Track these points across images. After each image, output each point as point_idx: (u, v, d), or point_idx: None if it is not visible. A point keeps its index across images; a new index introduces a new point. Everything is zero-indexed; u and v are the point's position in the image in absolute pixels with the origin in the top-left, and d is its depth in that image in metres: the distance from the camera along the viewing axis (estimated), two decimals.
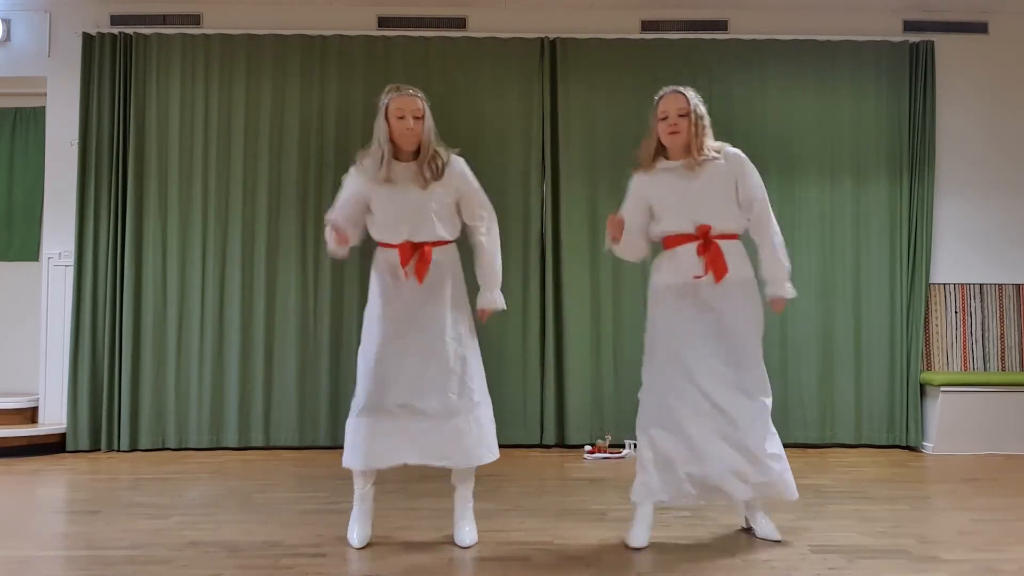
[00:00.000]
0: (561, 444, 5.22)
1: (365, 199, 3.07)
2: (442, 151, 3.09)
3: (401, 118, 3.00)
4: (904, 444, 5.26)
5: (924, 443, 5.26)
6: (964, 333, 5.42)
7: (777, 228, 3.14)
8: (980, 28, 5.51)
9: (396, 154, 3.05)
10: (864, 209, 5.36)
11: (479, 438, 3.04)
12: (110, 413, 5.14)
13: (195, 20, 5.40)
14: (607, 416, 5.19)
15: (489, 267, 3.15)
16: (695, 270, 3.03)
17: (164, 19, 5.38)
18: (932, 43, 5.42)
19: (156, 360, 5.17)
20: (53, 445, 5.08)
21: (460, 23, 5.45)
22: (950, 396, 5.12)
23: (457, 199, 3.13)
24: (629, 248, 3.22)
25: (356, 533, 3.05)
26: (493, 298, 3.16)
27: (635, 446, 5.03)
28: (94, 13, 5.38)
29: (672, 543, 3.08)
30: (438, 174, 3.04)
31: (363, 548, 3.01)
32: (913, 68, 5.41)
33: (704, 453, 2.96)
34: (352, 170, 3.11)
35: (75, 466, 4.68)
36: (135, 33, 5.31)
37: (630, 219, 3.15)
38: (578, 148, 5.33)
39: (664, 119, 3.08)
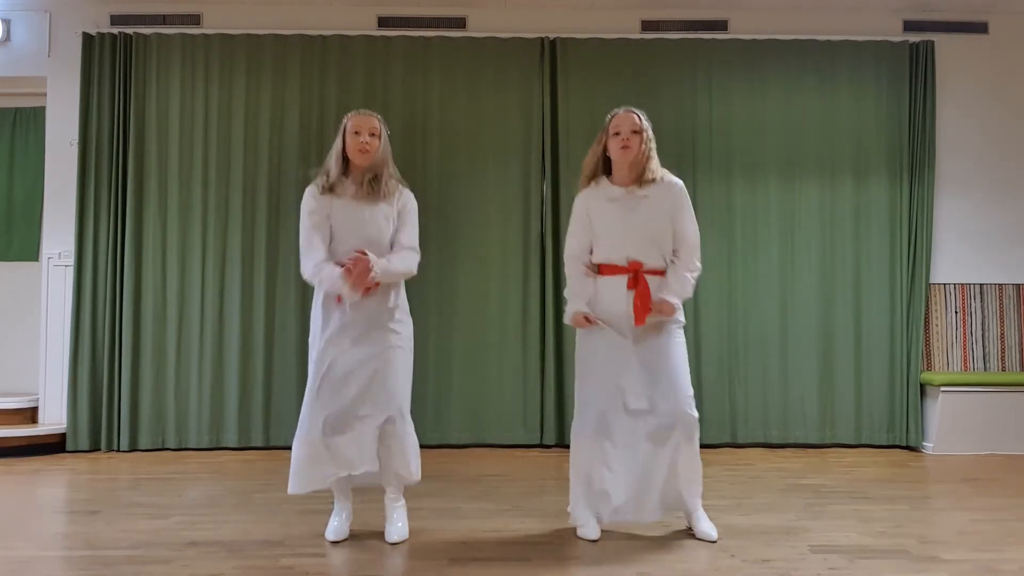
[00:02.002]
0: (561, 444, 5.22)
1: (327, 214, 3.09)
2: (396, 181, 3.19)
3: (357, 133, 3.11)
4: (904, 444, 5.26)
5: (924, 443, 5.26)
6: (964, 333, 5.42)
7: (698, 265, 3.21)
8: (980, 28, 5.51)
9: (347, 170, 3.13)
10: (864, 209, 5.36)
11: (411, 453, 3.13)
12: (110, 413, 5.14)
13: (195, 20, 5.40)
14: None
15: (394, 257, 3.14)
16: (623, 302, 3.13)
17: (164, 19, 5.38)
18: (932, 43, 5.42)
19: (156, 360, 5.17)
20: (53, 445, 5.08)
21: (460, 23, 5.45)
22: (950, 396, 5.12)
23: (397, 225, 3.18)
24: (583, 274, 3.25)
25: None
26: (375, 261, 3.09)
27: None
28: (94, 13, 5.38)
29: (672, 543, 3.08)
30: (386, 194, 3.12)
31: (361, 548, 3.01)
32: (913, 68, 5.41)
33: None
34: (307, 192, 3.14)
35: (75, 466, 4.68)
36: (135, 33, 5.32)
37: (582, 241, 3.25)
38: (578, 148, 5.33)
39: (616, 134, 3.17)
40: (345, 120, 3.17)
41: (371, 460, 3.02)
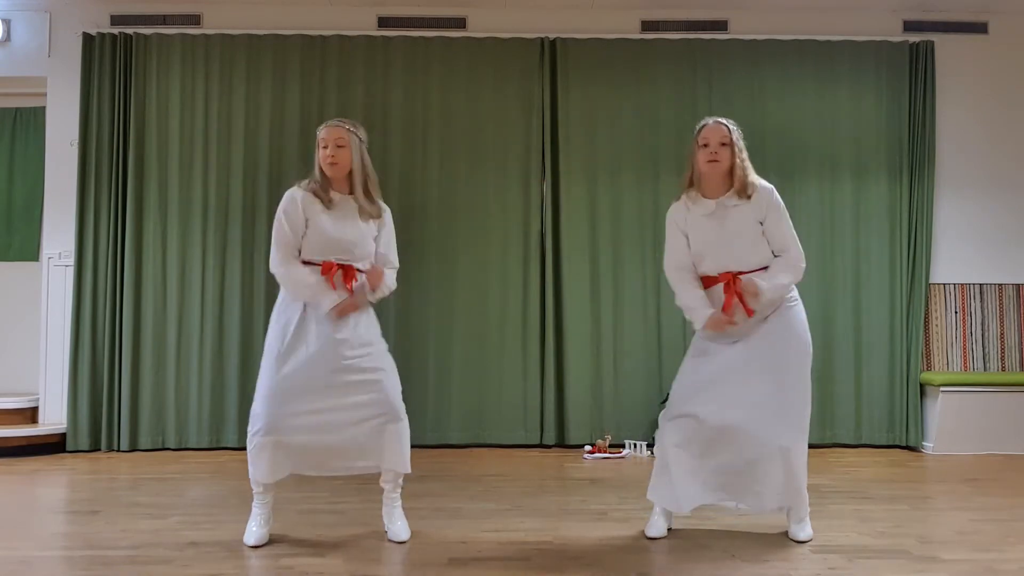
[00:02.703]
0: (561, 444, 5.22)
1: (305, 217, 3.08)
2: (376, 197, 3.20)
3: (325, 147, 3.09)
4: (904, 444, 5.26)
5: (924, 443, 5.26)
6: (964, 333, 5.42)
7: (800, 259, 3.17)
8: (980, 28, 5.51)
9: (328, 184, 3.12)
10: (864, 209, 5.36)
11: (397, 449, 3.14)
12: (110, 413, 5.14)
13: (195, 20, 5.40)
14: (607, 416, 5.19)
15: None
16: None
17: (164, 19, 5.38)
18: (932, 43, 5.42)
19: (156, 360, 5.17)
20: (53, 445, 5.08)
21: (460, 23, 5.45)
22: (950, 396, 5.12)
23: (378, 243, 3.21)
24: (689, 285, 3.19)
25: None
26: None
27: (635, 446, 5.06)
28: (94, 13, 5.38)
29: (672, 543, 3.08)
30: (376, 214, 3.16)
31: (361, 548, 3.01)
32: (913, 68, 5.41)
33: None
34: (290, 192, 3.13)
35: (75, 466, 4.68)
36: (135, 33, 5.31)
37: (680, 254, 3.19)
38: (578, 148, 5.33)
39: (705, 146, 3.12)
40: (317, 132, 3.15)
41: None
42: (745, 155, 3.16)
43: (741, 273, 3.08)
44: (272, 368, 3.03)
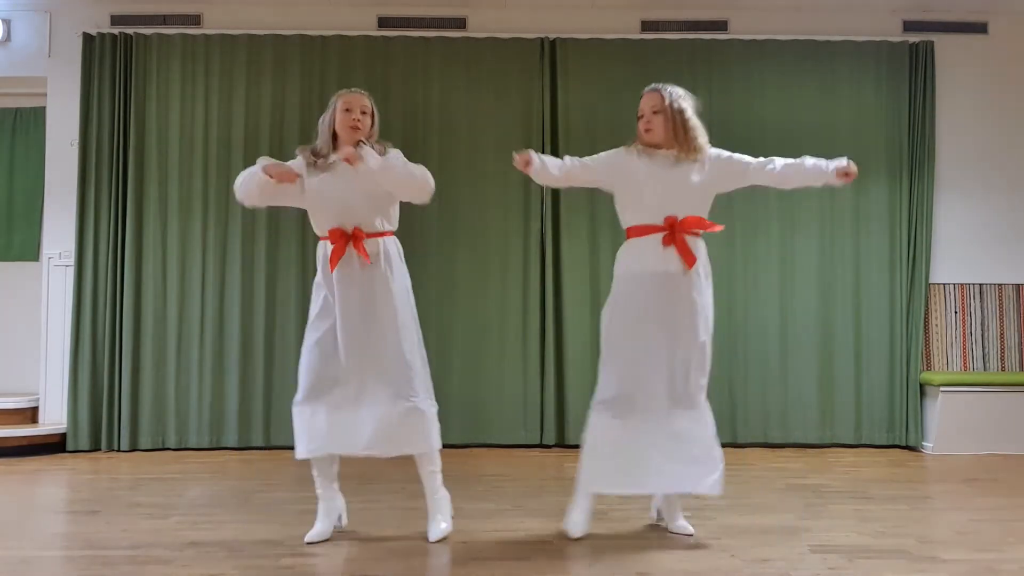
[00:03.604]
0: (561, 444, 5.22)
1: (302, 186, 3.05)
2: (381, 146, 3.10)
3: (348, 111, 3.06)
4: (904, 444, 5.26)
5: (924, 443, 5.26)
6: (964, 333, 5.42)
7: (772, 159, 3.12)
8: (980, 28, 5.51)
9: (336, 147, 3.07)
10: (864, 209, 5.35)
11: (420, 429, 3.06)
12: (110, 413, 5.14)
13: (195, 20, 5.40)
14: None
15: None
16: (662, 260, 3.02)
17: (164, 19, 5.38)
18: (932, 43, 5.42)
19: (156, 360, 5.17)
20: (53, 445, 5.08)
21: (460, 23, 5.45)
22: (950, 396, 5.12)
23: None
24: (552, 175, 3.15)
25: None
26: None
27: None
28: (94, 13, 5.38)
29: (672, 543, 3.08)
30: (380, 152, 3.03)
31: (361, 548, 3.01)
32: (913, 68, 5.41)
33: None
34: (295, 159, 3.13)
35: (75, 466, 4.68)
36: (135, 33, 5.32)
37: (592, 165, 3.14)
38: (578, 148, 5.30)
39: (641, 117, 3.11)
40: (334, 99, 3.11)
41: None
42: (689, 116, 3.05)
43: (684, 221, 3.01)
44: (306, 339, 3.08)
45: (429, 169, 3.18)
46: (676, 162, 3.05)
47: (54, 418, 5.21)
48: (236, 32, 5.33)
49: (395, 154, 3.10)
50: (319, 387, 3.03)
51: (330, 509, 3.15)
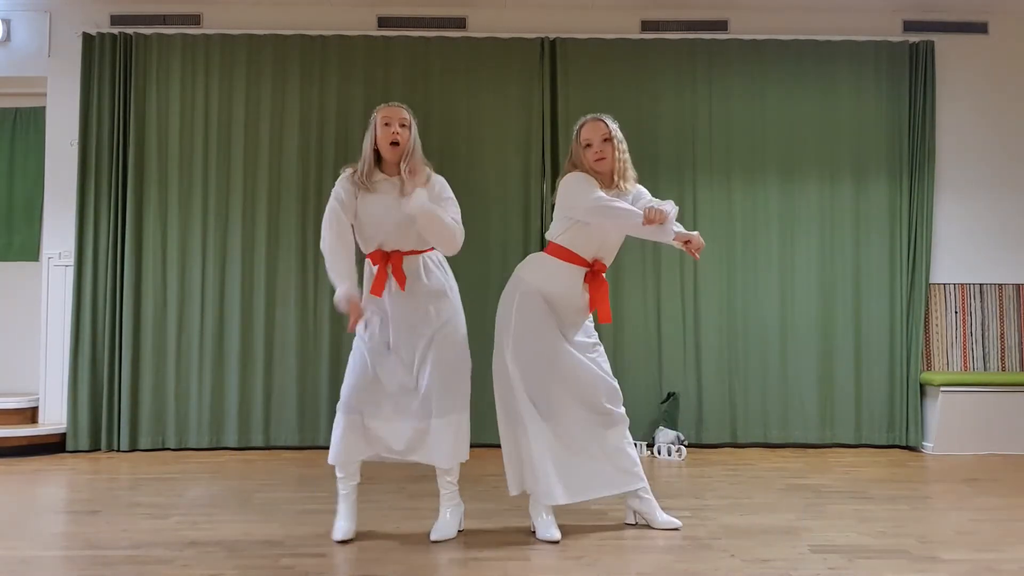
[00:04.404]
0: None
1: (352, 208, 3.10)
2: (425, 168, 3.14)
3: (387, 124, 3.08)
4: (904, 444, 5.26)
5: (924, 443, 5.26)
6: (964, 333, 5.42)
7: None
8: (980, 28, 5.51)
9: (380, 164, 3.11)
10: (864, 209, 5.36)
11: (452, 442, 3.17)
12: (110, 413, 5.14)
13: (195, 20, 5.40)
14: None
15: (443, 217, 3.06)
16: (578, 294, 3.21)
17: (164, 19, 5.38)
18: (932, 43, 5.42)
19: (156, 360, 5.17)
20: (53, 445, 5.08)
21: (460, 23, 5.45)
22: (950, 396, 5.12)
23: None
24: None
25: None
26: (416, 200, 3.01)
27: (636, 445, 5.05)
28: (94, 13, 5.38)
29: (672, 543, 3.08)
30: (422, 183, 3.07)
31: (361, 548, 3.01)
32: (913, 68, 5.41)
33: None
34: (338, 182, 3.14)
35: (75, 466, 4.68)
36: (135, 33, 5.32)
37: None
38: None
39: (588, 146, 3.15)
40: (374, 114, 3.13)
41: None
42: (624, 147, 3.18)
43: (602, 269, 3.21)
44: (354, 348, 3.15)
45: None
46: (618, 195, 3.16)
47: (54, 418, 5.21)
48: (236, 32, 5.33)
49: (439, 183, 3.15)
50: (361, 397, 3.11)
51: (352, 508, 3.18)
